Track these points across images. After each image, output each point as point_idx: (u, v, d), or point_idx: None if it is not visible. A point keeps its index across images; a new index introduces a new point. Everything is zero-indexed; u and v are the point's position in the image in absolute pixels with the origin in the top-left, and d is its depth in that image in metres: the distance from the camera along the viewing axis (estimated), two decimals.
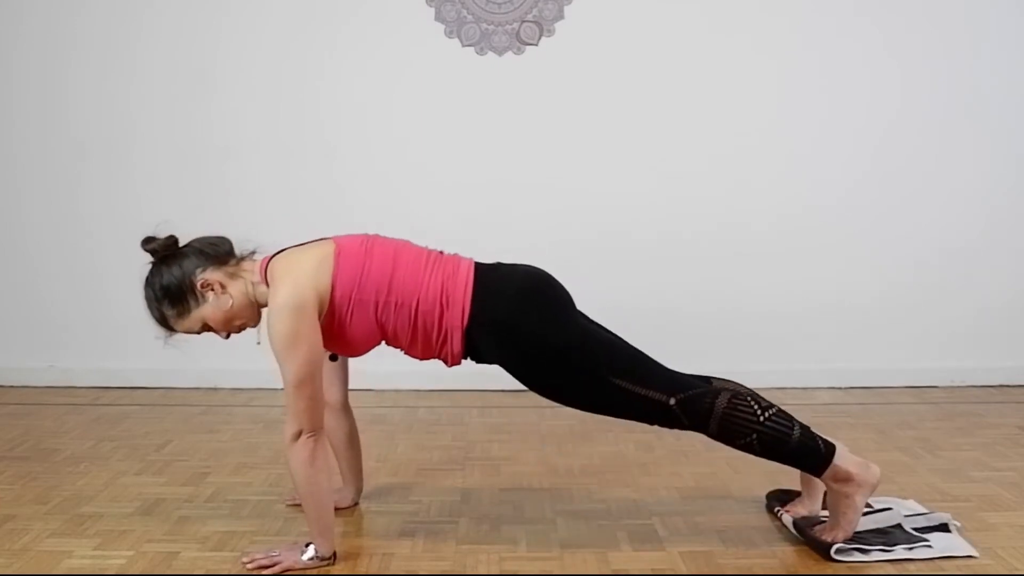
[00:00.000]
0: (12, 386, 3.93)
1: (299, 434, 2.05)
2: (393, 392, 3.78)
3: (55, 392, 3.84)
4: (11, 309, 3.98)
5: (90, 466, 2.85)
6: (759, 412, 2.08)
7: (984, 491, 2.57)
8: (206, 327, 2.17)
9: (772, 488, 2.50)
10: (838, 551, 2.08)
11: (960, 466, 2.80)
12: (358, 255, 2.11)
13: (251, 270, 2.17)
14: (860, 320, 3.90)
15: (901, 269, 3.89)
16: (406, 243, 2.21)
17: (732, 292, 3.88)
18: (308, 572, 2.07)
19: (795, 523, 2.24)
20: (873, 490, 2.14)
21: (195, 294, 2.13)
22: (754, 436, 2.07)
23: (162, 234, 2.19)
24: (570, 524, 2.36)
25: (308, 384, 2.02)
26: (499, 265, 2.21)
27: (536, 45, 3.83)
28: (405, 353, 2.21)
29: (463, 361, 2.19)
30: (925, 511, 2.33)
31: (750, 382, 3.84)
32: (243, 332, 2.20)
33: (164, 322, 2.17)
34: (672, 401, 2.06)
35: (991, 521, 2.34)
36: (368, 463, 2.60)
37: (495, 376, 3.81)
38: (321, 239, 2.19)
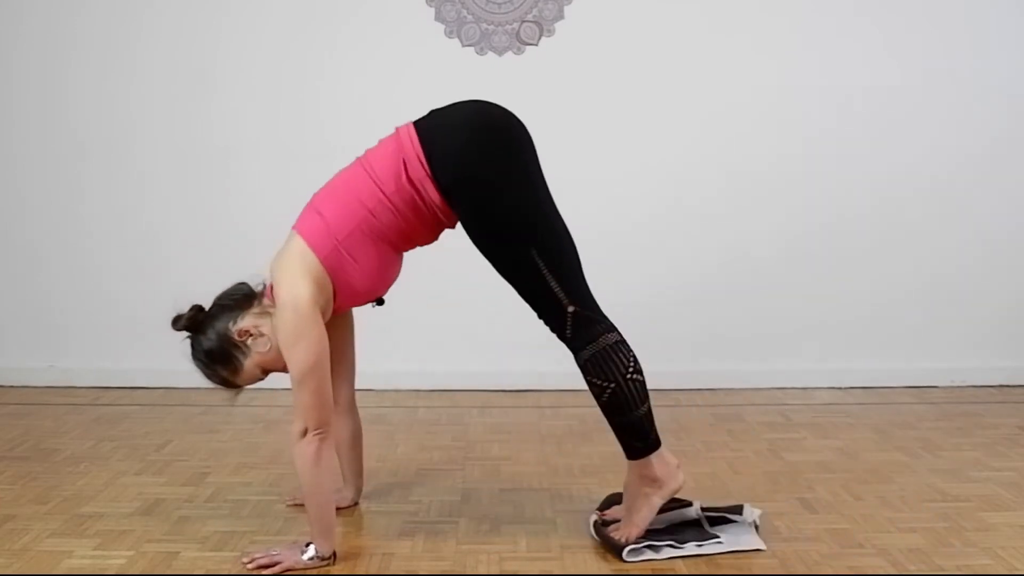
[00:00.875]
0: (12, 386, 3.92)
1: (305, 431, 2.05)
2: (393, 392, 3.78)
3: (55, 392, 3.84)
4: (11, 309, 3.98)
5: (90, 466, 2.85)
6: (631, 370, 2.11)
7: (984, 491, 2.57)
8: (265, 371, 2.20)
9: (772, 489, 2.51)
10: (630, 551, 2.10)
11: (960, 466, 2.80)
12: (312, 217, 2.14)
13: (271, 301, 2.19)
14: (860, 320, 3.90)
15: (901, 270, 3.89)
16: (341, 170, 2.22)
17: (732, 292, 3.88)
18: (308, 572, 2.07)
19: (595, 524, 2.25)
20: (672, 494, 2.19)
21: (238, 347, 2.16)
22: (612, 386, 2.10)
23: (185, 308, 2.21)
24: (570, 524, 2.35)
25: (311, 379, 2.03)
26: (439, 108, 2.22)
27: (536, 45, 3.83)
28: (422, 245, 2.23)
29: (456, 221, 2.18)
30: (721, 506, 2.32)
31: (750, 382, 3.89)
32: None
33: (227, 383, 2.22)
34: (571, 308, 2.10)
35: (991, 521, 2.34)
36: (368, 463, 2.60)
37: (495, 376, 3.86)
38: (287, 238, 2.19)
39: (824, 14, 3.80)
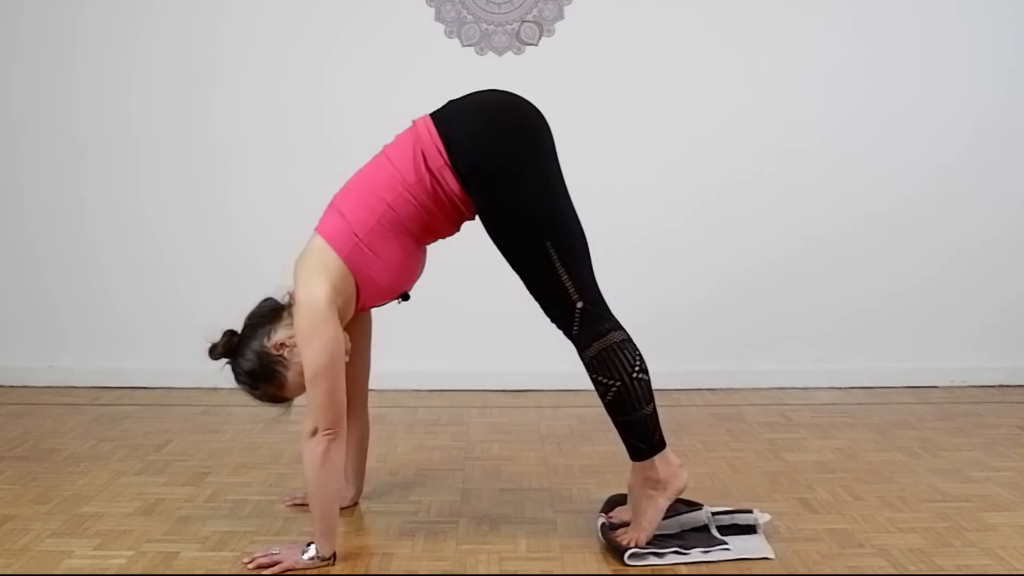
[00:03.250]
0: (12, 386, 3.92)
1: (315, 431, 2.05)
2: (393, 392, 3.78)
3: (55, 392, 3.84)
4: (11, 309, 3.98)
5: (90, 466, 2.85)
6: (636, 369, 2.10)
7: (984, 491, 2.57)
8: None
9: (772, 489, 2.50)
10: (632, 555, 2.08)
11: (960, 466, 2.80)
12: (332, 215, 2.16)
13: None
14: (860, 320, 3.90)
15: (900, 270, 3.89)
16: (360, 168, 2.23)
17: (732, 292, 3.88)
18: (308, 572, 2.07)
19: (602, 526, 2.23)
20: (677, 495, 2.18)
21: (278, 361, 2.16)
22: (617, 384, 2.09)
23: (217, 337, 2.21)
24: (570, 524, 2.35)
25: (324, 378, 2.03)
26: (456, 98, 2.22)
27: (536, 45, 3.83)
28: (443, 237, 2.23)
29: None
30: (731, 509, 2.30)
31: (750, 382, 3.88)
32: (348, 353, 2.17)
33: (276, 399, 2.22)
34: (580, 304, 2.09)
35: (991, 521, 2.34)
36: (368, 463, 2.59)
37: (495, 376, 3.86)
38: (309, 239, 2.19)
39: (824, 14, 3.80)
